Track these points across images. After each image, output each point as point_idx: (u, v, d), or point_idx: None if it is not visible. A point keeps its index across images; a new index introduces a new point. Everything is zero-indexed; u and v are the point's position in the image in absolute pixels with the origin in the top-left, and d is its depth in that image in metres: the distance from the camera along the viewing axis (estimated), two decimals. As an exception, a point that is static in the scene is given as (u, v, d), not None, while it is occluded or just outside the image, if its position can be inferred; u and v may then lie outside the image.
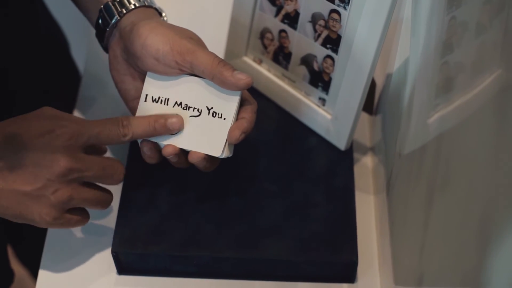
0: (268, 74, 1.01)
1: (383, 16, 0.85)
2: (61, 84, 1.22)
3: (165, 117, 0.85)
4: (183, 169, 0.89)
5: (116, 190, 0.94)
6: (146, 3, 0.90)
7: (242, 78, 0.84)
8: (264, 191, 0.93)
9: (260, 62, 1.02)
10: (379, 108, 0.98)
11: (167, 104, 0.86)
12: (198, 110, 0.86)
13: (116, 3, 0.89)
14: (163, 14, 0.93)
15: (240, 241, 0.88)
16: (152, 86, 0.87)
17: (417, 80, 0.75)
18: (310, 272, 0.89)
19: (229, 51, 1.04)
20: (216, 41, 1.10)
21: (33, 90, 1.13)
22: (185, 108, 0.86)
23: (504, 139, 0.62)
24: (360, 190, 0.97)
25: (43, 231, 0.93)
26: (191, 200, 0.91)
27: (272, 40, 0.99)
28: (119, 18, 0.88)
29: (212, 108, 0.86)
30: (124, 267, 0.90)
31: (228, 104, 0.85)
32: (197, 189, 0.92)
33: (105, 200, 0.86)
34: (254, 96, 1.02)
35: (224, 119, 0.85)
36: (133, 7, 0.89)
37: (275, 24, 0.97)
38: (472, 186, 0.67)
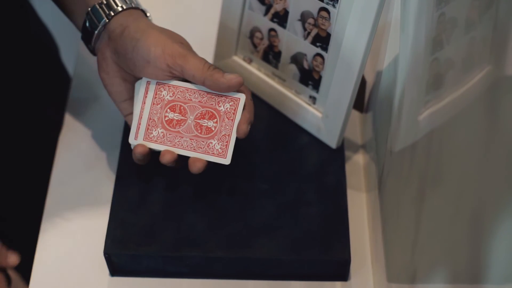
0: (258, 73, 1.01)
1: (372, 14, 0.85)
2: (51, 88, 1.21)
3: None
4: (175, 169, 0.89)
5: (108, 191, 0.94)
6: (133, 5, 0.90)
7: (233, 78, 0.85)
8: (255, 191, 0.92)
9: (250, 61, 1.02)
10: (369, 106, 0.98)
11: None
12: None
13: (103, 5, 0.88)
14: (148, 15, 0.93)
15: (232, 241, 0.88)
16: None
17: (407, 77, 0.75)
18: (303, 270, 0.89)
19: (218, 50, 1.04)
20: (205, 41, 1.10)
21: (22, 93, 1.12)
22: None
23: (494, 135, 0.62)
24: (352, 188, 0.97)
25: (35, 234, 0.93)
26: (183, 201, 0.91)
27: (261, 39, 0.99)
28: (107, 20, 0.88)
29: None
30: (116, 268, 0.89)
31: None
32: (189, 189, 0.92)
33: None
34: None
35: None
36: (120, 9, 0.89)
37: (264, 23, 0.97)
38: (463, 182, 0.67)
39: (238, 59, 1.03)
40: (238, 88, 0.85)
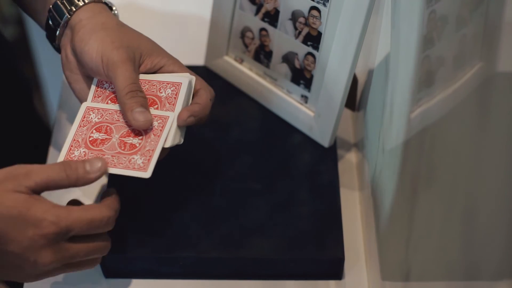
0: (250, 73, 1.01)
1: (363, 12, 0.85)
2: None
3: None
4: (168, 170, 0.89)
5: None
6: None
7: (139, 120, 0.82)
8: (248, 190, 0.92)
9: (241, 61, 1.02)
10: (361, 104, 0.98)
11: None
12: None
13: (64, 1, 0.87)
14: (114, 8, 0.91)
15: (226, 241, 0.88)
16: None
17: (398, 75, 0.75)
18: (297, 270, 0.89)
19: (210, 50, 1.04)
20: (197, 42, 1.10)
21: None
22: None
23: (486, 132, 0.62)
24: (345, 186, 0.97)
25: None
26: (175, 201, 0.91)
27: (252, 38, 0.99)
28: (69, 16, 0.86)
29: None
30: (110, 270, 0.89)
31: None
32: (182, 190, 0.92)
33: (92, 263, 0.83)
34: (237, 96, 1.02)
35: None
36: (82, 3, 0.86)
37: (255, 22, 0.97)
38: (456, 180, 0.67)
39: (229, 59, 1.03)
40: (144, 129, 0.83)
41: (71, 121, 1.04)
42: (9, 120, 1.14)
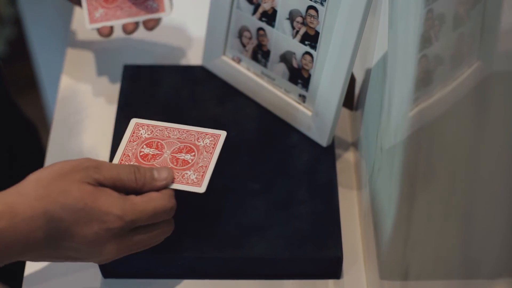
0: (248, 73, 1.01)
1: (360, 11, 0.85)
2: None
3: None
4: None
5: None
6: None
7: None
8: (246, 190, 0.92)
9: (239, 61, 1.02)
10: (359, 104, 0.98)
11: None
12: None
13: None
14: None
15: (224, 241, 0.88)
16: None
17: (396, 74, 0.75)
18: (295, 269, 0.89)
19: (207, 50, 1.04)
20: (194, 41, 1.10)
21: None
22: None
23: (484, 130, 0.62)
24: (343, 185, 0.97)
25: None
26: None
27: (250, 38, 0.99)
28: None
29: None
30: (109, 270, 0.89)
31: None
32: (180, 189, 0.92)
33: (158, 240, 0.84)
34: (234, 95, 1.02)
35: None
36: None
37: (253, 22, 0.97)
38: (454, 179, 0.67)
39: (227, 59, 1.03)
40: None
41: (69, 121, 1.04)
42: None
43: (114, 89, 1.06)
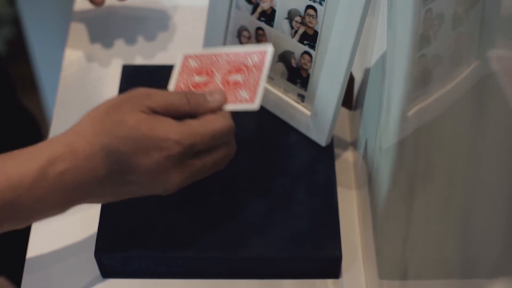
0: (246, 72, 1.01)
1: (359, 11, 0.85)
2: None
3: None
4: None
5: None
6: None
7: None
8: (245, 189, 0.92)
9: (238, 60, 1.02)
10: (358, 103, 0.98)
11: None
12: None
13: None
14: None
15: (223, 240, 0.88)
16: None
17: (395, 73, 0.75)
18: (294, 269, 0.89)
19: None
20: (193, 41, 1.10)
21: None
22: None
23: (483, 130, 0.62)
24: (342, 185, 0.97)
25: (25, 237, 0.93)
26: (173, 201, 0.91)
27: (249, 38, 0.99)
28: None
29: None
30: (108, 270, 0.89)
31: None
32: (180, 189, 0.92)
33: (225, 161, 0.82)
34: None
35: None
36: None
37: (251, 22, 0.97)
38: (453, 178, 0.67)
39: (226, 59, 1.03)
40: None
41: (68, 121, 1.04)
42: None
43: (113, 89, 1.06)
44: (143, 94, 0.77)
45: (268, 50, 0.86)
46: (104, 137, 0.74)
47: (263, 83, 0.84)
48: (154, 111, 0.76)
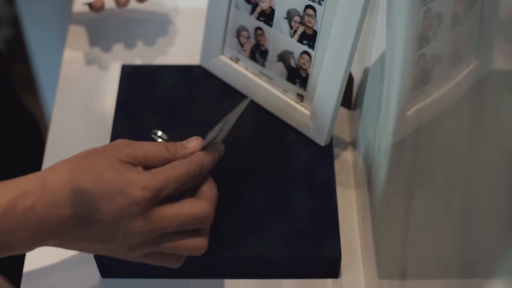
0: (246, 72, 1.01)
1: (358, 10, 0.85)
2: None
3: (218, 149, 0.83)
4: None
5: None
6: None
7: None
8: (245, 189, 0.92)
9: (237, 60, 1.02)
10: (357, 103, 0.98)
11: None
12: None
13: None
14: None
15: (222, 240, 0.88)
16: None
17: (394, 73, 0.75)
18: (293, 268, 0.89)
19: (205, 50, 1.04)
20: (192, 41, 1.10)
21: None
22: None
23: (482, 130, 0.62)
24: (341, 185, 0.97)
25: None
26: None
27: (248, 38, 0.99)
28: None
29: None
30: (107, 270, 0.89)
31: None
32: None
33: (195, 248, 0.79)
34: (232, 95, 1.02)
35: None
36: None
37: (250, 21, 0.97)
38: (452, 178, 0.67)
39: (225, 59, 1.03)
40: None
41: (68, 121, 1.04)
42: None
43: (112, 89, 1.06)
44: (124, 143, 0.77)
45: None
46: (75, 176, 0.74)
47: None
48: (133, 158, 0.76)
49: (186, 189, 0.78)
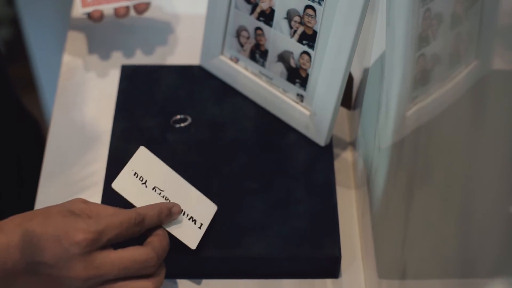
0: (245, 72, 1.01)
1: (358, 11, 0.85)
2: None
3: (168, 207, 0.83)
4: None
5: (97, 193, 0.93)
6: None
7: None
8: (245, 189, 0.92)
9: (236, 60, 1.02)
10: (357, 103, 0.98)
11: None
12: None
13: None
14: None
15: (222, 240, 0.88)
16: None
17: (394, 73, 0.75)
18: (293, 268, 0.89)
19: (205, 50, 1.04)
20: (192, 41, 1.10)
21: None
22: (163, 197, 0.86)
23: (482, 130, 0.62)
24: (341, 185, 0.97)
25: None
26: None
27: (248, 38, 0.99)
28: None
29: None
30: (107, 270, 0.89)
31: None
32: None
33: None
34: (232, 95, 1.02)
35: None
36: None
37: (250, 21, 0.97)
38: (452, 178, 0.67)
39: (225, 59, 1.03)
40: None
41: (68, 121, 1.04)
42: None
43: (112, 89, 1.06)
44: (80, 200, 0.80)
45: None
46: (26, 220, 0.76)
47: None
48: (84, 213, 0.78)
49: (133, 238, 0.80)
